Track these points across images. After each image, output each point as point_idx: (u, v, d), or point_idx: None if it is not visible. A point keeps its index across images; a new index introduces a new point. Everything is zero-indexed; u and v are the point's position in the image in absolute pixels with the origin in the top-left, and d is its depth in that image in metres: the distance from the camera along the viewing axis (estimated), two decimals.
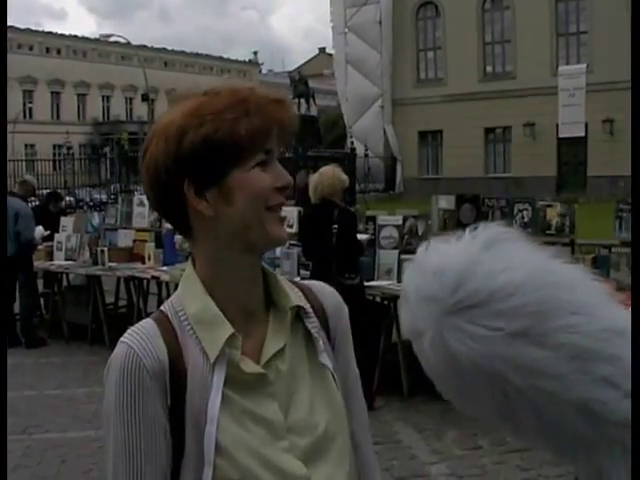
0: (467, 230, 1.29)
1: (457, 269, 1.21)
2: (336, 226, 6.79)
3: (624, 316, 1.23)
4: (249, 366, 1.39)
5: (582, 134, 36.55)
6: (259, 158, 1.37)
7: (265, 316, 1.47)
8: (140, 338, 1.38)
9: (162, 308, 1.46)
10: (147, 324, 1.42)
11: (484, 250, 1.23)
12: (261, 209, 1.38)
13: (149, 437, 1.34)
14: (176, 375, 1.36)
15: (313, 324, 1.51)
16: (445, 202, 8.27)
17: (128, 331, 1.41)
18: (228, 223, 1.39)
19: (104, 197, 34.05)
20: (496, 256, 1.22)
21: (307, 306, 1.51)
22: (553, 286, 1.19)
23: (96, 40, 69.02)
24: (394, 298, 7.60)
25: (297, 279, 1.52)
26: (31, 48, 69.42)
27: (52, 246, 11.10)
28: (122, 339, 1.39)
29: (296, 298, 1.49)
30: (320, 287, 1.62)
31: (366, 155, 39.71)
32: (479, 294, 1.18)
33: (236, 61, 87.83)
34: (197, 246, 1.45)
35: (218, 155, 1.35)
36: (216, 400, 1.34)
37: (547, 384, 1.15)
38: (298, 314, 1.49)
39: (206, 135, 1.34)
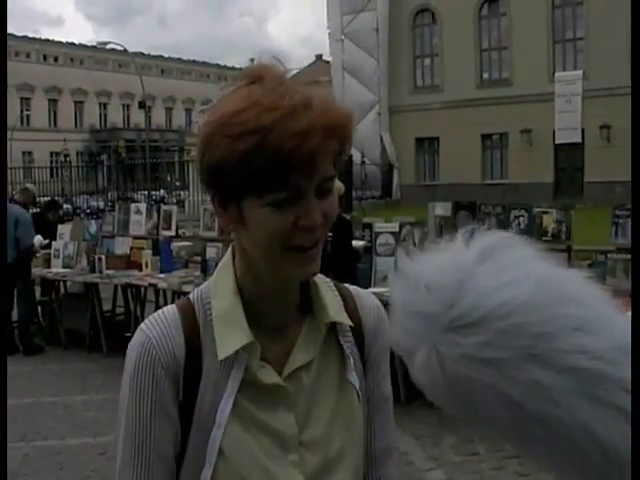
0: (459, 237, 1.23)
1: (452, 284, 1.15)
2: (331, 234, 6.79)
3: (629, 330, 1.17)
4: (268, 376, 1.35)
5: (579, 140, 36.62)
6: (273, 197, 1.24)
7: (299, 324, 1.41)
8: (160, 329, 1.35)
9: (190, 296, 1.41)
10: (170, 314, 1.37)
11: (480, 262, 1.17)
12: (276, 249, 1.27)
13: (159, 430, 1.33)
14: (190, 374, 1.33)
15: (347, 340, 1.46)
16: (441, 209, 8.28)
17: (150, 318, 1.38)
18: (246, 244, 1.33)
19: (101, 205, 34.01)
20: (493, 269, 1.15)
21: (345, 320, 1.44)
22: (557, 301, 1.13)
23: (93, 47, 69.05)
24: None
25: None
26: (28, 55, 69.58)
27: (49, 254, 11.10)
28: (142, 326, 1.36)
29: (335, 311, 1.43)
30: (365, 299, 1.53)
31: (363, 162, 39.70)
32: (476, 311, 1.12)
33: (232, 68, 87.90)
34: (235, 241, 1.40)
35: (228, 182, 1.27)
36: (227, 406, 1.32)
37: (550, 407, 1.11)
38: (334, 326, 1.43)
39: (217, 161, 1.25)
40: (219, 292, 1.39)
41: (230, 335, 1.34)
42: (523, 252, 1.21)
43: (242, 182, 1.25)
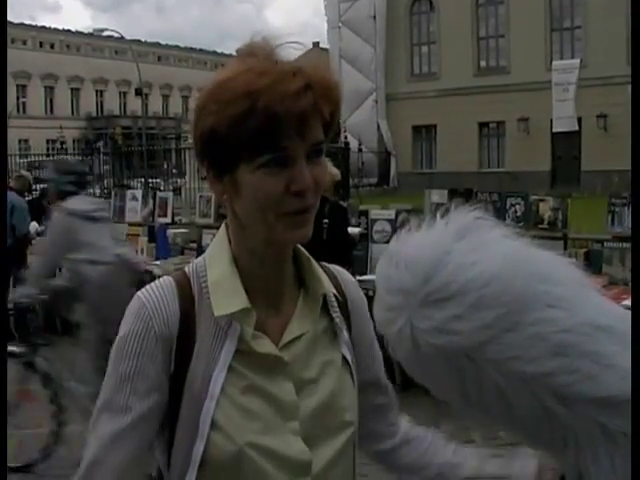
0: (438, 217, 1.27)
1: (428, 260, 1.20)
2: (326, 220, 6.78)
3: (609, 312, 1.20)
4: (263, 346, 1.36)
5: (576, 129, 36.59)
6: (265, 159, 1.28)
7: (294, 296, 1.44)
8: (155, 297, 1.37)
9: (186, 269, 1.43)
10: (167, 284, 1.40)
11: (457, 239, 1.22)
12: (270, 215, 1.30)
13: (142, 395, 1.33)
14: (183, 343, 1.34)
15: (337, 314, 1.48)
16: (438, 196, 8.28)
17: (147, 286, 1.40)
18: (241, 213, 1.36)
19: (98, 192, 33.94)
20: (469, 246, 1.20)
21: (335, 294, 1.49)
22: (529, 277, 1.17)
23: (90, 35, 68.88)
24: None
25: None
26: (24, 42, 69.27)
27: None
28: (139, 293, 1.39)
29: (328, 284, 1.47)
30: (345, 276, 1.59)
31: (360, 150, 39.66)
32: (449, 286, 1.17)
33: (230, 55, 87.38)
34: (227, 216, 1.43)
35: (222, 149, 1.30)
36: (220, 377, 1.32)
37: (519, 370, 1.14)
38: (324, 301, 1.46)
39: (210, 128, 1.29)
40: (214, 263, 1.40)
41: (226, 299, 1.35)
42: (497, 232, 1.25)
43: (234, 147, 1.28)
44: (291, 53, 1.33)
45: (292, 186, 1.29)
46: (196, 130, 1.33)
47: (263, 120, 1.25)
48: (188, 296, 1.38)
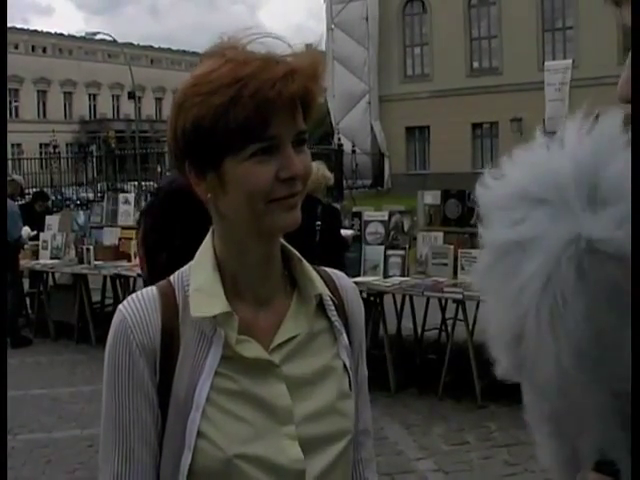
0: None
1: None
2: (319, 223, 6.75)
3: None
4: (249, 350, 1.32)
5: None
6: (254, 148, 1.25)
7: (287, 297, 1.40)
8: (136, 308, 1.34)
9: (171, 278, 1.40)
10: (149, 295, 1.37)
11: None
12: (259, 204, 1.27)
13: (138, 410, 1.32)
14: (167, 353, 1.32)
15: (335, 317, 1.45)
16: (431, 197, 8.27)
17: (129, 297, 1.38)
18: (227, 210, 1.32)
19: (91, 195, 33.97)
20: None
21: (330, 296, 1.45)
22: None
23: (82, 38, 68.75)
24: (380, 294, 7.59)
25: None
26: (16, 47, 69.10)
27: (38, 245, 11.05)
28: (120, 306, 1.37)
29: (321, 285, 1.42)
30: (343, 280, 1.54)
31: (353, 151, 39.73)
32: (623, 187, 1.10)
33: None
34: (212, 218, 1.39)
35: (207, 143, 1.26)
36: (205, 386, 1.29)
37: None
38: (320, 303, 1.43)
39: (194, 121, 1.25)
40: (198, 270, 1.37)
41: (206, 304, 1.32)
42: None
43: (220, 139, 1.25)
44: (276, 48, 1.30)
45: (281, 173, 1.27)
46: (175, 128, 1.29)
47: (252, 107, 1.22)
48: (171, 305, 1.35)
